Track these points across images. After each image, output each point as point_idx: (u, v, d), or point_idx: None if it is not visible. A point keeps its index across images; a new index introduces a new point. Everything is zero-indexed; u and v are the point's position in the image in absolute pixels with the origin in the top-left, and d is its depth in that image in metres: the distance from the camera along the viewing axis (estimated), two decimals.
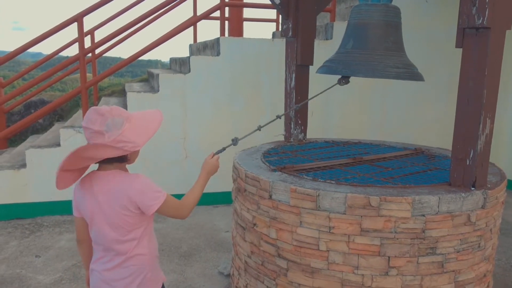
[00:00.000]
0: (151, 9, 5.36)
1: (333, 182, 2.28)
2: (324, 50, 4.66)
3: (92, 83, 5.23)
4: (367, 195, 2.06)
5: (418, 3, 5.34)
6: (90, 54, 6.14)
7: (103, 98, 6.41)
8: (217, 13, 5.43)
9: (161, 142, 4.74)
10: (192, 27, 6.39)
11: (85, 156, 1.60)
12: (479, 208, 2.16)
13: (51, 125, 6.71)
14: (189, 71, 4.81)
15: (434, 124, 5.62)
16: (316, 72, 2.72)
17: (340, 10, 5.94)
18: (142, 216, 1.70)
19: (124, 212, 1.65)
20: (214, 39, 5.07)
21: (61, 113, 7.07)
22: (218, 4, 5.27)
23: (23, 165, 4.53)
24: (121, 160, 1.70)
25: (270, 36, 6.81)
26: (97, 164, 1.71)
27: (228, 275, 3.33)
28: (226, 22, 6.52)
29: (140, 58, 5.39)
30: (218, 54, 4.88)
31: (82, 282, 3.28)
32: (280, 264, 2.30)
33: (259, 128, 2.34)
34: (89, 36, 6.25)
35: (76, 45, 5.00)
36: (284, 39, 3.45)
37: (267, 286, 2.40)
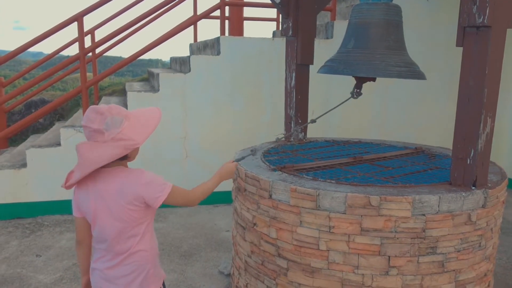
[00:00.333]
0: (151, 9, 5.36)
1: (333, 181, 2.28)
2: (324, 49, 4.65)
3: (93, 83, 5.23)
4: (367, 195, 2.05)
5: (419, 1, 5.33)
6: (90, 54, 6.14)
7: (103, 98, 6.41)
8: (217, 12, 5.43)
9: (161, 142, 4.74)
10: (192, 27, 6.39)
11: (92, 158, 1.61)
12: (480, 207, 2.15)
13: (51, 124, 6.72)
14: (189, 71, 4.80)
15: (435, 123, 5.61)
16: (318, 72, 2.71)
17: (340, 9, 5.93)
18: (147, 211, 1.72)
19: (130, 207, 1.67)
20: (215, 39, 5.07)
21: (61, 113, 7.08)
22: (218, 3, 5.27)
23: (24, 165, 4.53)
24: (123, 158, 1.71)
25: (271, 35, 6.80)
26: None
27: (229, 275, 3.33)
28: (227, 21, 6.52)
29: (140, 58, 5.40)
30: (218, 53, 4.88)
31: None
32: (280, 264, 2.30)
33: (277, 139, 2.55)
34: (89, 35, 6.25)
35: (77, 44, 4.99)
36: (285, 38, 3.44)
37: (267, 286, 2.40)
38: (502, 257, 3.71)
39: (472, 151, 2.15)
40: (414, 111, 5.57)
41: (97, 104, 4.37)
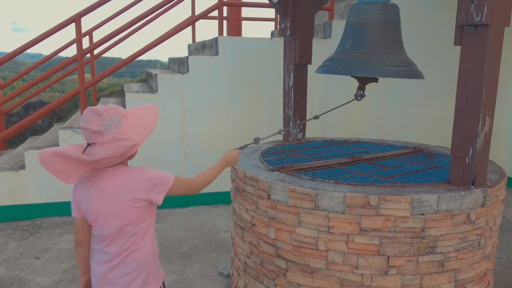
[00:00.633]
0: (150, 9, 5.35)
1: (332, 181, 2.27)
2: (322, 49, 4.64)
3: (91, 84, 5.22)
4: (366, 195, 2.05)
5: (416, 1, 5.33)
6: (88, 55, 6.13)
7: (102, 99, 6.40)
8: (215, 13, 5.42)
9: (160, 142, 4.73)
10: (190, 27, 6.38)
11: (103, 160, 1.61)
12: (479, 206, 2.15)
13: (50, 126, 6.70)
14: (188, 71, 4.80)
15: (434, 122, 5.60)
16: (315, 71, 2.71)
17: (338, 8, 5.93)
18: (150, 207, 1.73)
19: (133, 204, 1.67)
20: (213, 39, 5.06)
21: (60, 114, 7.06)
22: (216, 3, 5.26)
23: (22, 167, 4.52)
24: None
25: (269, 35, 6.80)
26: None
27: (228, 276, 3.33)
28: (225, 21, 6.51)
29: (139, 58, 5.39)
30: (216, 53, 4.87)
31: None
32: (279, 264, 2.29)
33: (279, 132, 2.51)
34: (87, 36, 6.24)
35: (75, 45, 4.98)
36: (283, 38, 3.44)
37: (267, 287, 2.39)
38: (502, 255, 3.71)
39: (471, 150, 2.15)
40: (413, 111, 5.56)
41: (95, 105, 4.35)
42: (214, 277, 3.38)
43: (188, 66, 4.80)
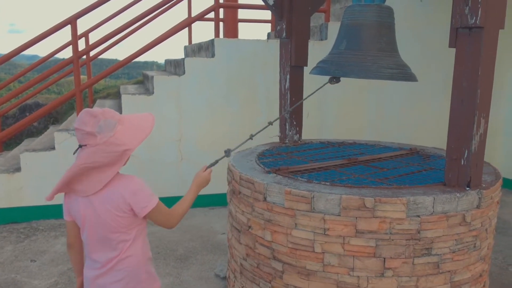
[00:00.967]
0: (146, 11, 5.35)
1: (328, 183, 2.28)
2: (319, 50, 4.65)
3: (87, 86, 5.20)
4: (362, 197, 2.05)
5: (412, 3, 5.35)
6: (84, 57, 6.11)
7: (98, 101, 6.39)
8: (211, 15, 5.42)
9: (156, 144, 4.72)
10: (187, 29, 6.37)
11: (88, 164, 1.60)
12: (474, 208, 2.16)
13: (46, 128, 6.68)
14: (184, 73, 4.79)
15: (429, 124, 5.62)
16: (310, 73, 2.72)
17: (334, 10, 5.94)
18: (135, 218, 1.71)
19: (118, 214, 1.66)
20: (209, 41, 5.06)
21: (56, 116, 7.04)
22: (213, 5, 5.26)
23: (18, 169, 4.50)
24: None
25: (265, 37, 6.80)
26: None
27: (225, 278, 3.32)
28: (221, 23, 6.50)
29: (136, 60, 5.38)
30: (213, 55, 4.87)
31: None
32: (275, 267, 2.29)
33: (251, 137, 2.32)
34: (83, 38, 6.23)
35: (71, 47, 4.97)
36: (279, 40, 3.44)
37: None
38: (497, 256, 3.72)
39: (466, 151, 2.16)
40: (409, 112, 5.58)
41: (91, 107, 4.35)
42: (211, 279, 3.38)
43: (184, 68, 4.80)
